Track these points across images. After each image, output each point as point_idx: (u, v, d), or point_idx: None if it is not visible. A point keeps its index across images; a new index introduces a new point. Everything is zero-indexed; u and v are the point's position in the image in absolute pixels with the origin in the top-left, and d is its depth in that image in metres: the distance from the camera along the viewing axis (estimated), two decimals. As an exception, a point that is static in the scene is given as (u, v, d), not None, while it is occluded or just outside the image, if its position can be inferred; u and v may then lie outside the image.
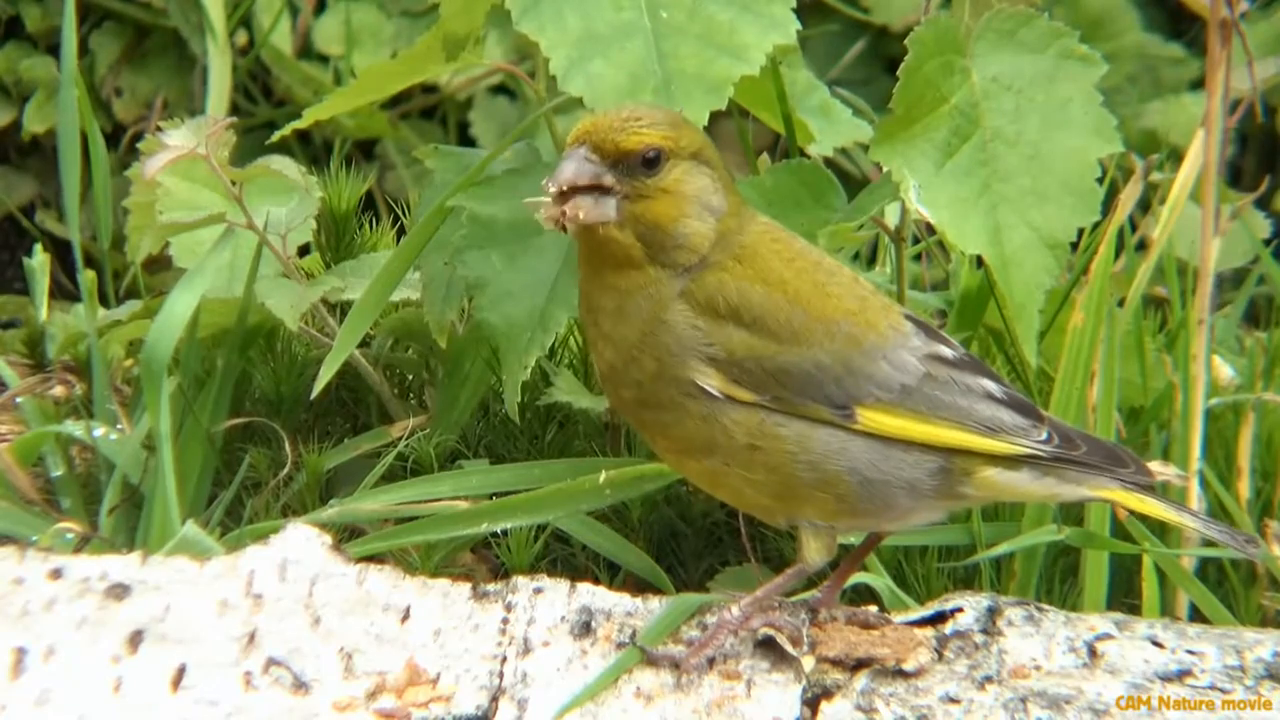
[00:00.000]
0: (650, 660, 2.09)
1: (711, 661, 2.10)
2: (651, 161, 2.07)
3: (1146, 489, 2.12)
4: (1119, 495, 2.12)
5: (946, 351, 2.12)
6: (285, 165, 2.56)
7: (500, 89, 3.76)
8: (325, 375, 2.39)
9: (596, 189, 2.06)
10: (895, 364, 2.08)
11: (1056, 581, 2.42)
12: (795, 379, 2.06)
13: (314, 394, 2.41)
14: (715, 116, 2.31)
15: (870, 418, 2.07)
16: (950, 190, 2.33)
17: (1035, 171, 2.34)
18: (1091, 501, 2.22)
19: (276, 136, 2.59)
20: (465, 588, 2.18)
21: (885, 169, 2.36)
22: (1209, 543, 2.41)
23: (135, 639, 2.11)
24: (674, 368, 2.06)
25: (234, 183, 2.48)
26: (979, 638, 2.15)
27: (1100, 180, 2.35)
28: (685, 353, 2.07)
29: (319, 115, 2.55)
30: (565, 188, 2.05)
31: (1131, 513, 2.25)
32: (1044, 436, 2.09)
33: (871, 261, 3.04)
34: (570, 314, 2.35)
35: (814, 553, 2.11)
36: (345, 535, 2.40)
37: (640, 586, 2.35)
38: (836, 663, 2.12)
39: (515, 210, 2.38)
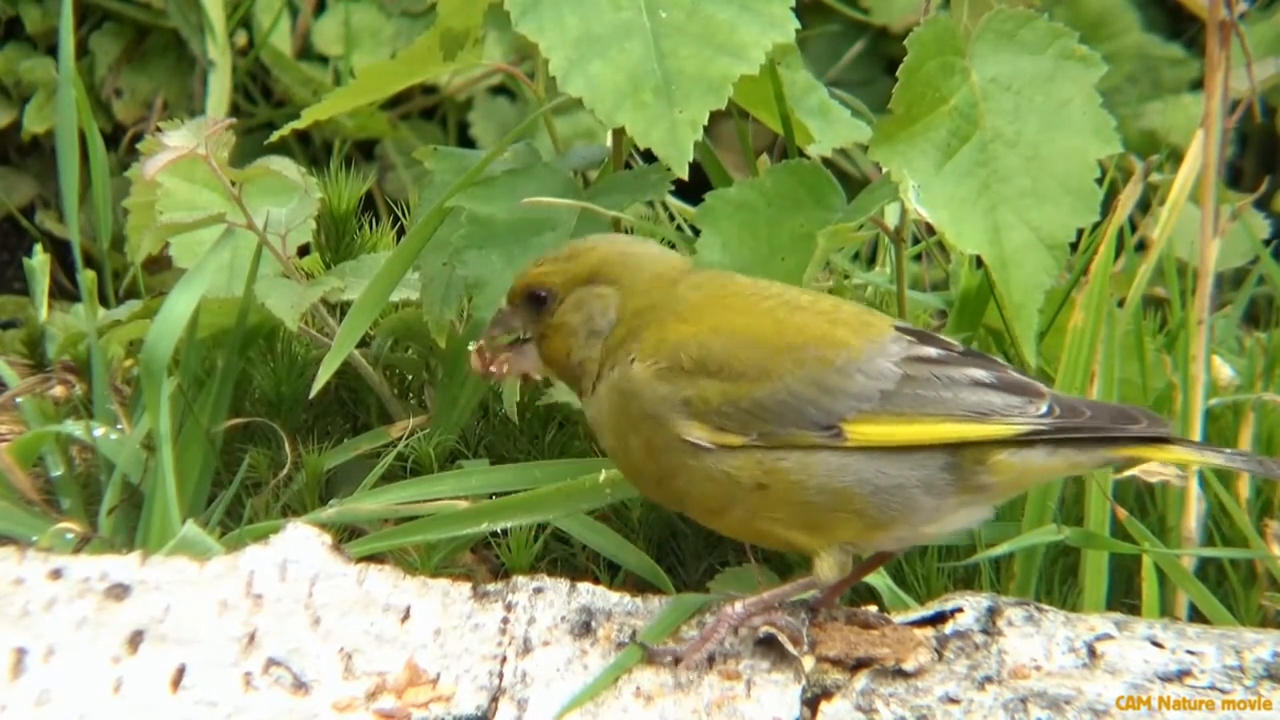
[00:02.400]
0: (651, 656, 2.09)
1: (711, 661, 2.10)
2: (541, 300, 2.17)
3: (1165, 440, 2.11)
4: (1140, 450, 2.11)
5: (930, 351, 2.11)
6: (285, 165, 2.56)
7: (500, 89, 3.76)
8: (324, 375, 2.39)
9: (513, 337, 2.19)
10: (871, 373, 2.09)
11: (1056, 581, 2.42)
12: (772, 411, 2.07)
13: (312, 393, 2.41)
14: (715, 116, 2.31)
15: (858, 431, 2.07)
16: (949, 190, 2.33)
17: (1034, 172, 2.34)
18: (1115, 463, 2.20)
19: (275, 136, 2.59)
20: (465, 588, 2.18)
21: (885, 169, 2.36)
22: (1210, 541, 2.42)
23: (135, 639, 2.11)
24: (661, 431, 2.09)
25: (234, 183, 2.48)
26: (979, 638, 2.15)
27: (1099, 181, 2.35)
28: (662, 412, 2.09)
29: (318, 115, 2.55)
30: (484, 342, 2.19)
31: (1155, 462, 2.24)
32: (1043, 410, 2.08)
33: (871, 261, 3.04)
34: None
35: (827, 569, 2.11)
36: (345, 535, 2.40)
37: (640, 586, 2.35)
38: (836, 662, 2.12)
39: (514, 210, 2.38)
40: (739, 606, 2.11)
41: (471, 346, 2.20)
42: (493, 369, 2.19)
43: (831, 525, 2.09)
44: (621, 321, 2.14)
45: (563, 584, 2.18)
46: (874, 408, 2.08)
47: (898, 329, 2.13)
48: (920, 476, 2.08)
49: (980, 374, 2.10)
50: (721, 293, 2.15)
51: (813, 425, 2.07)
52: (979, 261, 2.48)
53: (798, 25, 2.35)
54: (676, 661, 2.08)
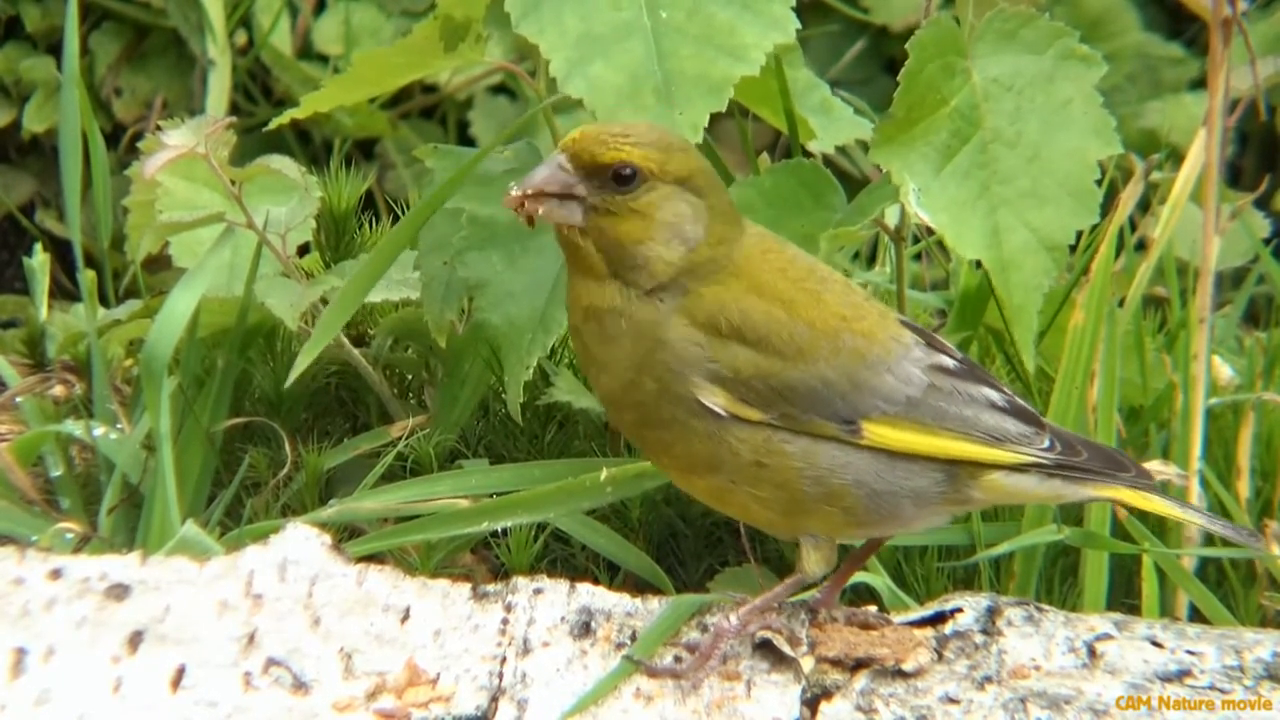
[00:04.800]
0: (651, 673, 2.08)
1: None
2: (625, 179, 2.06)
3: (1149, 489, 2.12)
4: (1124, 494, 2.12)
5: (947, 361, 2.11)
6: (285, 164, 2.56)
7: (500, 89, 3.76)
8: (302, 363, 2.38)
9: (565, 196, 2.06)
10: (900, 376, 2.08)
11: (1056, 581, 2.42)
12: (802, 396, 2.06)
13: (288, 382, 2.40)
14: (716, 115, 2.31)
15: (876, 432, 2.06)
16: (950, 193, 2.33)
17: (1034, 173, 2.34)
18: (1097, 501, 2.22)
19: (274, 124, 2.59)
20: (465, 588, 2.18)
21: (885, 170, 2.36)
22: (1210, 542, 2.42)
23: (135, 639, 2.11)
24: (675, 386, 2.06)
25: (234, 182, 2.48)
26: (979, 638, 2.15)
27: (1099, 181, 2.35)
28: (687, 370, 2.06)
29: (319, 106, 2.54)
30: (531, 192, 2.06)
31: (1135, 511, 2.25)
32: (1046, 444, 2.10)
33: (871, 261, 3.04)
34: (571, 313, 2.35)
35: (814, 563, 2.11)
36: (345, 535, 2.40)
37: (640, 586, 2.35)
38: (836, 663, 2.12)
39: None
40: (734, 619, 2.10)
41: (514, 190, 2.06)
42: (527, 208, 2.06)
43: (811, 516, 2.08)
44: (708, 242, 2.08)
45: (562, 584, 2.18)
46: (898, 412, 2.07)
47: (902, 323, 2.13)
48: (914, 486, 2.08)
49: (995, 396, 2.10)
50: (760, 246, 2.11)
51: (835, 417, 2.06)
52: (979, 261, 2.49)
53: (798, 25, 2.35)
54: (675, 678, 2.08)
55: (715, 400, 2.06)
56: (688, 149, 2.10)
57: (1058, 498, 2.15)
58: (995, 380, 2.13)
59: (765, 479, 2.07)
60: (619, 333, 2.07)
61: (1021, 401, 2.12)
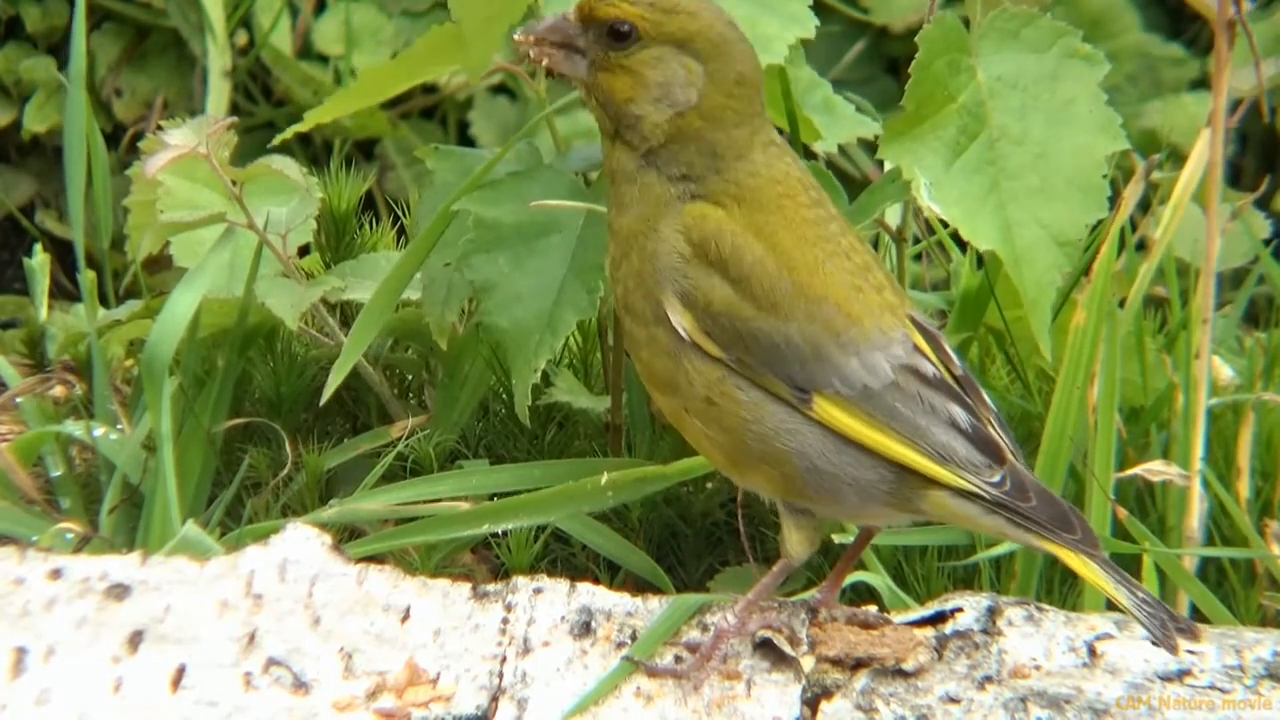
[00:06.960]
0: (651, 673, 2.08)
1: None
2: (620, 35, 2.09)
3: (1092, 557, 2.06)
4: (1064, 555, 2.06)
5: (926, 368, 2.08)
6: (285, 165, 2.56)
7: (500, 89, 3.76)
8: (333, 383, 2.38)
9: (568, 47, 2.10)
10: (865, 363, 2.07)
11: (1056, 581, 2.42)
12: (762, 347, 2.06)
13: (323, 400, 2.41)
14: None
15: (825, 409, 2.05)
16: (960, 188, 2.33)
17: (1042, 169, 2.34)
18: (1038, 550, 2.18)
19: (278, 140, 2.60)
20: (465, 588, 2.18)
21: (886, 169, 2.36)
22: (1210, 541, 2.42)
23: (135, 639, 2.11)
24: (649, 280, 2.07)
25: (234, 182, 2.48)
26: (979, 637, 2.15)
27: (1105, 177, 2.35)
28: (663, 274, 2.07)
29: (320, 119, 2.55)
30: (533, 38, 2.11)
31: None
32: (996, 479, 2.05)
33: (872, 261, 3.03)
34: (578, 316, 2.35)
35: (796, 545, 2.10)
36: (345, 535, 2.40)
37: (640, 586, 2.35)
38: (836, 662, 2.12)
39: (520, 213, 2.38)
40: (731, 618, 2.10)
41: (518, 35, 2.12)
42: (534, 55, 2.11)
43: (753, 470, 2.08)
44: (700, 112, 2.08)
45: (563, 584, 2.18)
46: (852, 396, 2.06)
47: (911, 319, 2.12)
48: (858, 476, 2.06)
49: (961, 417, 2.07)
50: (785, 183, 2.11)
51: (789, 380, 2.05)
52: (980, 261, 2.49)
53: (817, 22, 2.35)
54: (677, 678, 2.08)
55: (681, 321, 2.06)
56: (699, 12, 2.10)
57: (1001, 534, 2.10)
58: (977, 406, 2.09)
59: (713, 418, 2.07)
60: (631, 200, 2.10)
61: (993, 434, 2.08)
